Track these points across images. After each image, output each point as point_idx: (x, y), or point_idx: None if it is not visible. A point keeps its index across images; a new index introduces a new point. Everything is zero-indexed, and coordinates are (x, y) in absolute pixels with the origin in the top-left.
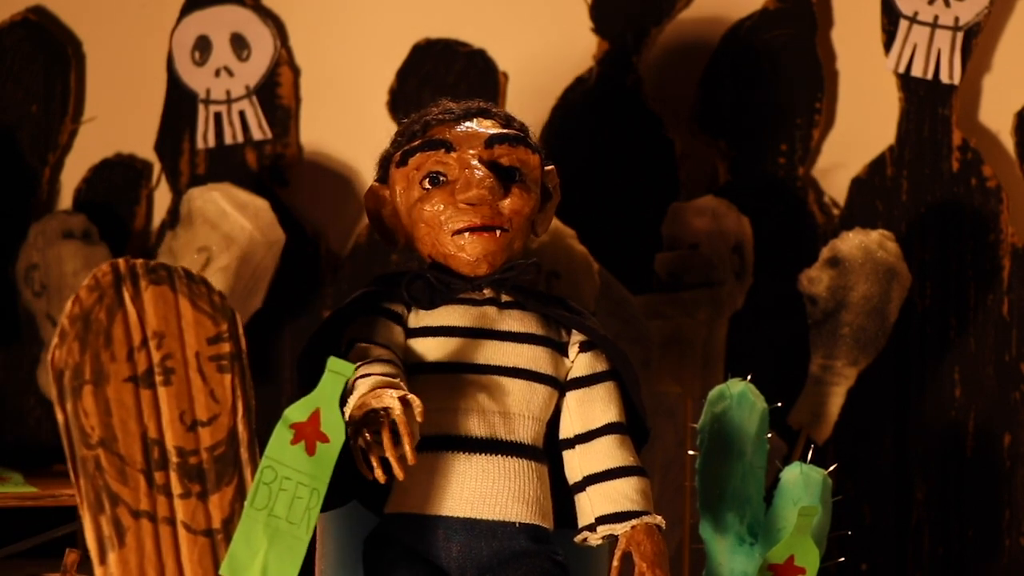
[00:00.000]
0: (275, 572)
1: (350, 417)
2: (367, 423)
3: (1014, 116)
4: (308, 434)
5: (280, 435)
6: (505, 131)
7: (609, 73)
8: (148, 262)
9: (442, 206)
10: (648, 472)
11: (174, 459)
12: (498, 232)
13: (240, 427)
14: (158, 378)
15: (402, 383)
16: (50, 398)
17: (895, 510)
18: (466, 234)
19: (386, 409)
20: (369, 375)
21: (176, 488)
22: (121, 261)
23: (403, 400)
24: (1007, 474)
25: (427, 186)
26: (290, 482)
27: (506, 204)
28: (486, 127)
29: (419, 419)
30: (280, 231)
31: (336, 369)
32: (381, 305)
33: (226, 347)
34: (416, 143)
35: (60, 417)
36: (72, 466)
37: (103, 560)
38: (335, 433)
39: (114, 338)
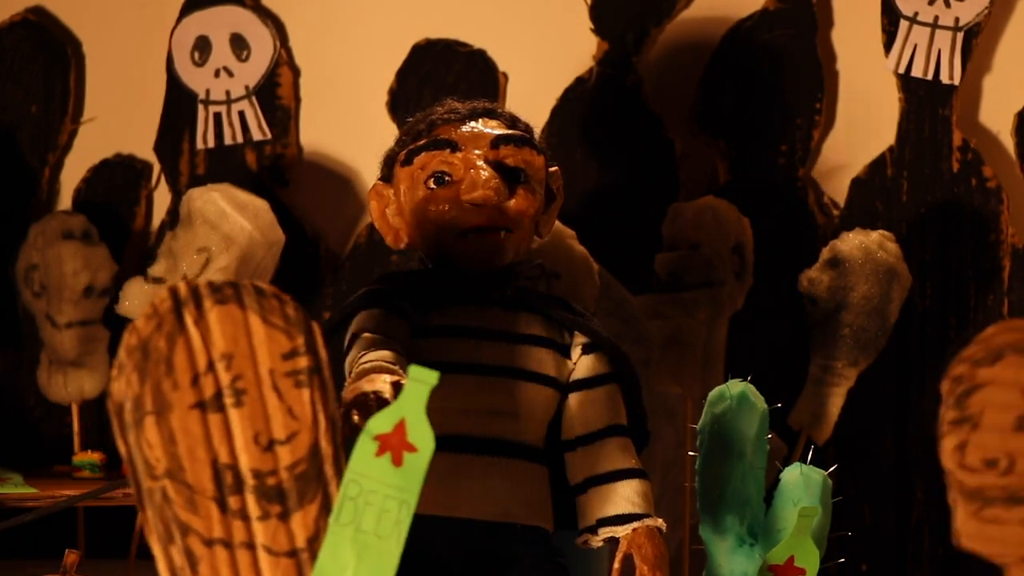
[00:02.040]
0: None
1: (342, 400)
2: (355, 405)
3: (1014, 116)
4: (394, 445)
5: (364, 448)
6: (511, 132)
7: (609, 73)
8: (213, 282)
9: (447, 206)
10: (648, 474)
11: (250, 482)
12: (503, 233)
13: (323, 442)
14: (228, 401)
15: (400, 370)
16: (51, 399)
17: (895, 510)
18: (470, 234)
19: (376, 392)
20: (368, 361)
21: (254, 511)
22: (182, 284)
23: (395, 385)
24: None
25: (432, 186)
26: (376, 495)
27: (511, 205)
28: (492, 127)
29: None
30: (280, 231)
31: (419, 377)
32: (386, 301)
33: (303, 361)
34: (421, 142)
35: (123, 450)
36: (138, 498)
37: None
38: (423, 442)
39: (176, 365)
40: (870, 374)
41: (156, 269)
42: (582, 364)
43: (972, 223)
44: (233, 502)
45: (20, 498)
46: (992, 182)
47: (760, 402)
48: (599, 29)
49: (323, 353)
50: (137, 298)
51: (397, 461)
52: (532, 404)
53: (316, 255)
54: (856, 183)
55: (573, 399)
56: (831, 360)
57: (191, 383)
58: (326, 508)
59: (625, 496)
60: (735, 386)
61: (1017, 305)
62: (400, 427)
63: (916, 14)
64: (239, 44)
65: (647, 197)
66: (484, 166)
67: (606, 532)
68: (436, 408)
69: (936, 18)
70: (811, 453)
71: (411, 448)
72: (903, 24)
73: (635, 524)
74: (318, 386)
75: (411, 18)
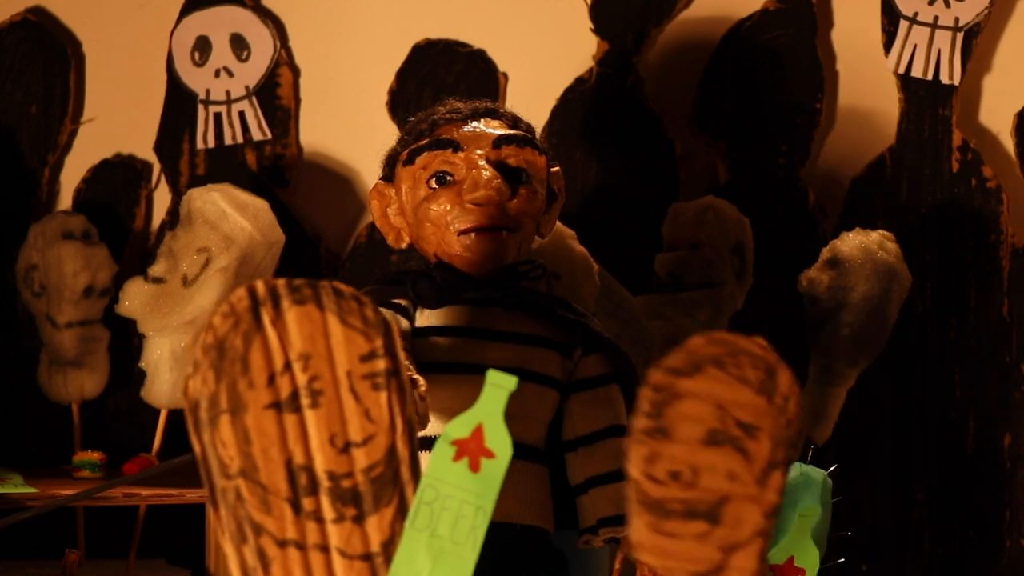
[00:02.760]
0: None
1: None
2: None
3: (1014, 117)
4: (471, 450)
5: (441, 452)
6: (513, 132)
7: (609, 73)
8: (292, 281)
9: (449, 206)
10: None
11: (325, 483)
12: (504, 233)
13: (400, 445)
14: (304, 401)
15: (410, 365)
16: (51, 399)
17: (895, 510)
18: (472, 234)
19: None
20: None
21: (328, 513)
22: (260, 283)
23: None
24: (1007, 474)
25: (434, 185)
26: (453, 500)
27: (513, 205)
28: (494, 127)
29: (421, 398)
30: (280, 232)
31: (497, 383)
32: (388, 300)
33: (381, 364)
34: (423, 142)
35: (197, 448)
36: (212, 497)
37: None
38: (501, 448)
39: (252, 364)
40: (870, 374)
41: (156, 269)
42: (583, 364)
43: (972, 223)
44: (307, 503)
45: (20, 498)
46: (992, 182)
47: None
48: (599, 29)
49: (401, 356)
50: (137, 298)
51: (475, 467)
52: (533, 404)
53: (316, 255)
54: (856, 183)
55: (574, 399)
56: (831, 360)
57: (267, 383)
58: (402, 512)
59: (626, 496)
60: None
61: (1017, 305)
62: (478, 432)
63: (916, 14)
64: (239, 44)
65: (647, 197)
66: (486, 166)
67: (607, 532)
68: (436, 408)
69: (936, 18)
70: (811, 453)
71: (489, 454)
72: (903, 24)
73: None
74: (396, 389)
75: (411, 18)
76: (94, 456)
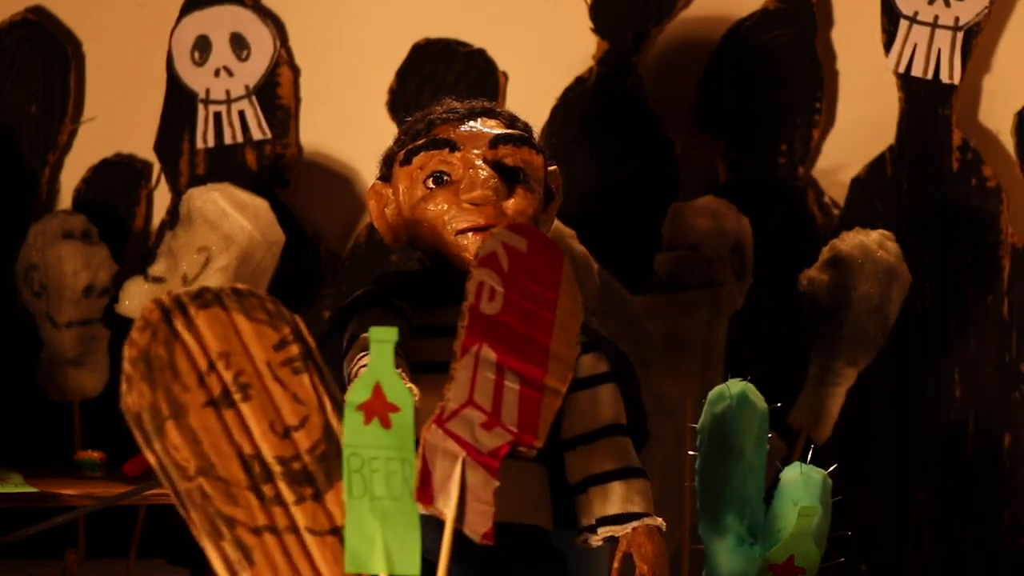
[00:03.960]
0: (398, 551)
1: None
2: None
3: (1014, 116)
4: (377, 409)
5: (352, 420)
6: (510, 131)
7: (609, 73)
8: (191, 291)
9: (446, 206)
10: (648, 473)
11: (277, 468)
12: None
13: (333, 421)
14: (236, 396)
15: (404, 373)
16: (51, 399)
17: (895, 510)
18: (469, 234)
19: None
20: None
21: (288, 496)
22: (164, 296)
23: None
24: (1007, 474)
25: (431, 185)
26: (379, 461)
27: (510, 204)
28: (490, 127)
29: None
30: (280, 231)
31: (380, 338)
32: (385, 301)
33: (294, 349)
34: (420, 142)
35: (152, 459)
36: (179, 501)
37: None
38: (402, 399)
39: (180, 369)
40: (870, 374)
41: (156, 269)
42: (582, 363)
43: (972, 223)
44: (267, 490)
45: (20, 498)
46: (992, 182)
47: (760, 402)
48: (599, 29)
49: (310, 339)
50: (137, 298)
51: (386, 424)
52: None
53: (316, 255)
54: (856, 183)
55: (572, 398)
56: (831, 360)
57: (198, 383)
58: None
59: (625, 495)
60: (735, 386)
61: (1017, 305)
62: (377, 391)
63: (916, 14)
64: (239, 44)
65: (647, 197)
66: (483, 166)
67: (606, 531)
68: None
69: (936, 17)
70: (811, 453)
71: (393, 408)
72: (903, 24)
73: (635, 523)
74: (314, 370)
75: (411, 18)
76: (95, 455)
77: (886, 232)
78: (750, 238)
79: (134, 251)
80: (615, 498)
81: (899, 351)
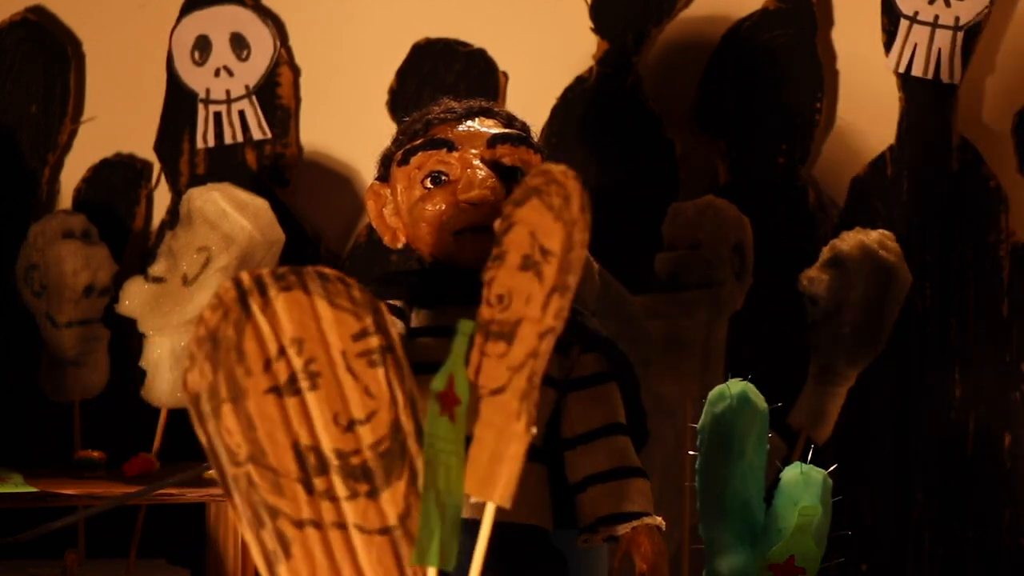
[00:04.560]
0: (451, 548)
1: None
2: None
3: (1014, 116)
4: (448, 401)
5: (432, 409)
6: (507, 131)
7: (609, 73)
8: (276, 270)
9: (443, 205)
10: (648, 473)
11: (334, 462)
12: None
13: (403, 418)
14: (303, 384)
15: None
16: (51, 398)
17: (895, 510)
18: (467, 234)
19: None
20: None
21: (341, 491)
22: (245, 274)
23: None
24: (1007, 474)
25: (429, 185)
26: (444, 453)
27: None
28: (488, 127)
29: None
30: (280, 231)
31: (464, 330)
32: (383, 301)
33: (374, 341)
34: (418, 142)
35: (203, 439)
36: (224, 486)
37: (272, 574)
38: (465, 393)
39: (247, 352)
40: (870, 374)
41: (156, 268)
42: (581, 363)
43: (972, 223)
44: (319, 483)
45: (20, 498)
46: (992, 181)
47: (760, 402)
48: (599, 29)
49: (393, 332)
50: (137, 297)
51: (452, 416)
52: None
53: (316, 255)
54: (856, 183)
55: (572, 398)
56: (831, 360)
57: (264, 369)
58: (414, 484)
59: (624, 495)
60: (735, 386)
61: (1017, 305)
62: (451, 383)
63: (916, 13)
64: (239, 43)
65: (647, 197)
66: (480, 165)
67: (606, 531)
68: None
69: (936, 17)
70: (811, 453)
71: (457, 401)
72: (903, 23)
73: (635, 523)
74: (392, 364)
75: (411, 18)
76: (94, 455)
77: (886, 232)
78: (750, 238)
79: (134, 251)
80: (615, 498)
81: (899, 351)
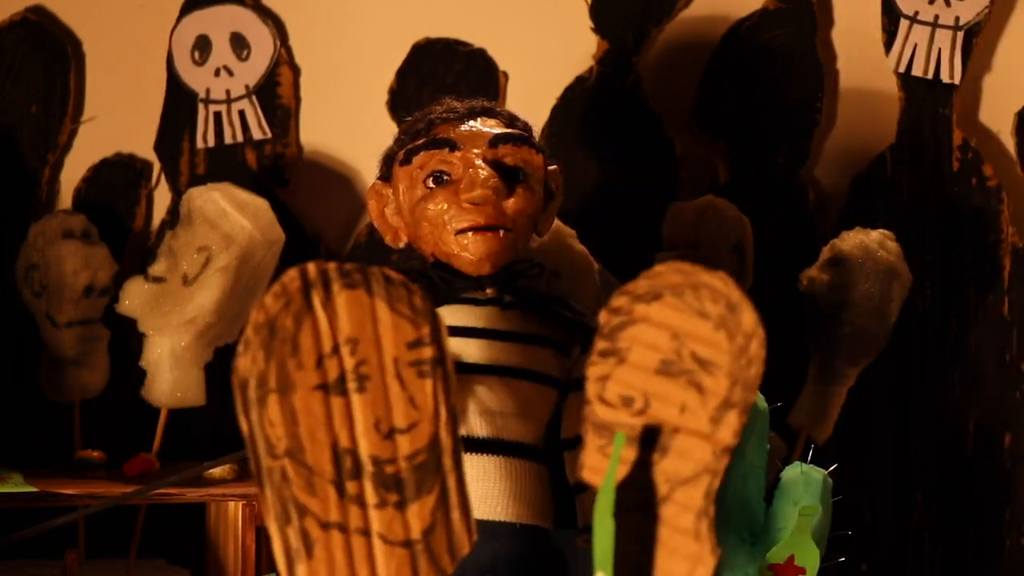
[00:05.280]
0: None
1: None
2: None
3: (1014, 116)
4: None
5: None
6: (509, 131)
7: (609, 73)
8: (343, 265)
9: (445, 205)
10: None
11: (369, 468)
12: (502, 232)
13: (443, 434)
14: (351, 385)
15: None
16: (51, 398)
17: (895, 510)
18: (469, 234)
19: None
20: None
21: (371, 498)
22: (311, 265)
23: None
24: (1007, 474)
25: (431, 185)
26: None
27: (510, 204)
28: (490, 126)
29: None
30: (280, 231)
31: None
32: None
33: (427, 352)
34: (420, 142)
35: (244, 427)
36: (257, 477)
37: (291, 572)
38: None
39: (302, 346)
40: (870, 374)
41: (156, 268)
42: (582, 363)
43: (972, 223)
44: (351, 487)
45: (20, 497)
46: (992, 182)
47: (760, 402)
48: (599, 28)
49: (447, 345)
50: (137, 297)
51: None
52: (532, 403)
53: (316, 255)
54: (856, 183)
55: (572, 398)
56: (831, 360)
57: (315, 364)
58: (443, 501)
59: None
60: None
61: (1017, 305)
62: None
63: (916, 13)
64: (239, 43)
65: (647, 197)
66: (483, 165)
67: None
68: None
69: (936, 17)
70: (811, 453)
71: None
72: (903, 23)
73: None
74: (441, 378)
75: (411, 17)
76: (94, 455)
77: (886, 232)
78: (750, 238)
79: (134, 251)
80: None
81: (899, 351)
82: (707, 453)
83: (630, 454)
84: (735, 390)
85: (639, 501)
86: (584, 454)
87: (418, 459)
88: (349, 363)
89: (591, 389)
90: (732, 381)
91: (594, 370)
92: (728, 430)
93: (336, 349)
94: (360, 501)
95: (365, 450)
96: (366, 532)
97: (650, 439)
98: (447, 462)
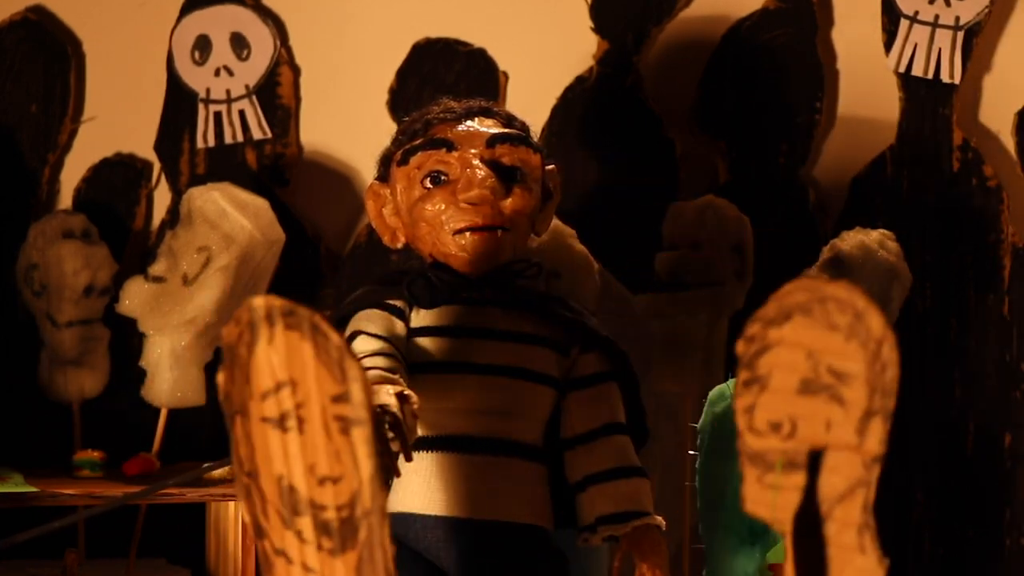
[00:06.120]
0: None
1: None
2: None
3: (1014, 116)
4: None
5: None
6: (507, 131)
7: (609, 73)
8: (290, 303)
9: (443, 205)
10: (648, 472)
11: (307, 509)
12: (499, 232)
13: (365, 494)
14: (290, 424)
15: (401, 378)
16: (51, 398)
17: (895, 510)
18: (467, 233)
19: (383, 406)
20: (369, 369)
21: (310, 537)
22: (261, 300)
23: (400, 396)
24: (1007, 474)
25: (428, 185)
26: None
27: (507, 204)
28: (488, 126)
29: (415, 415)
30: (280, 231)
31: None
32: (383, 301)
33: (348, 409)
34: (418, 142)
35: (231, 436)
36: (237, 489)
37: None
38: None
39: (252, 376)
40: None
41: (156, 268)
42: (581, 362)
43: (972, 223)
44: (296, 522)
45: (20, 497)
46: (992, 181)
47: None
48: (599, 28)
49: (371, 404)
50: (137, 297)
51: None
52: (531, 403)
53: (316, 255)
54: (856, 182)
55: (572, 398)
56: None
57: (262, 397)
58: (364, 562)
59: (624, 494)
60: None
61: (1017, 305)
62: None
63: (916, 13)
64: (239, 43)
65: (647, 197)
66: (480, 165)
67: (606, 531)
68: (435, 408)
69: (936, 17)
70: None
71: None
72: (903, 23)
73: (635, 522)
74: (363, 438)
75: (411, 17)
76: (94, 455)
77: (886, 232)
78: (750, 238)
79: (134, 251)
80: (615, 497)
81: (899, 351)
82: (857, 466)
83: (784, 479)
84: (875, 398)
85: (801, 525)
86: (744, 487)
87: (343, 513)
88: (288, 403)
89: (741, 421)
90: (871, 389)
91: (741, 402)
92: (874, 439)
93: (279, 387)
94: (301, 538)
95: (304, 491)
96: (308, 568)
97: (802, 461)
98: (373, 521)
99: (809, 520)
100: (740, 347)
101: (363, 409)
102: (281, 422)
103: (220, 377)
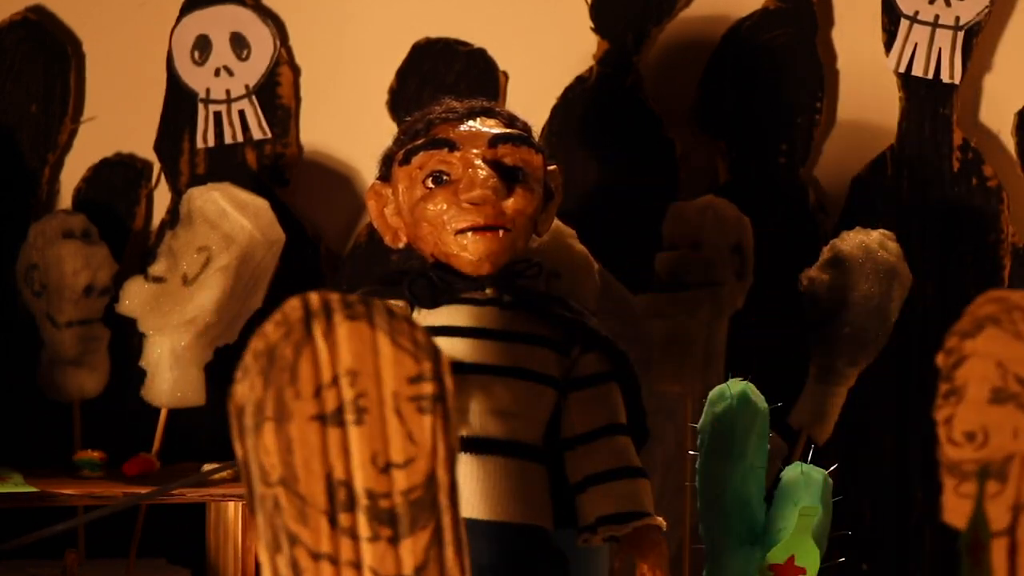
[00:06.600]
0: None
1: None
2: None
3: (1015, 116)
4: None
5: None
6: (509, 131)
7: (609, 73)
8: (346, 296)
9: (445, 205)
10: (648, 473)
11: (363, 501)
12: (501, 232)
13: (440, 471)
14: (349, 417)
15: None
16: (51, 398)
17: (895, 510)
18: (469, 234)
19: None
20: None
21: (364, 531)
22: (315, 295)
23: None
24: None
25: (430, 185)
26: None
27: (509, 204)
28: (490, 126)
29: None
30: (280, 231)
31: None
32: (384, 301)
33: (428, 388)
34: (419, 142)
35: (239, 453)
36: (250, 504)
37: None
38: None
39: (300, 375)
40: (870, 374)
41: (156, 268)
42: (581, 363)
43: (972, 223)
44: (344, 519)
45: (20, 497)
46: (992, 181)
47: (760, 402)
48: (599, 28)
49: (449, 382)
50: (137, 297)
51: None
52: (531, 403)
53: (316, 255)
54: (856, 182)
55: (572, 398)
56: (831, 360)
57: (314, 394)
58: (437, 538)
59: (625, 495)
60: (735, 385)
61: None
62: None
63: (916, 13)
64: (239, 43)
65: (647, 197)
66: (482, 165)
67: (606, 531)
68: None
69: (936, 17)
70: (811, 453)
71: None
72: (903, 23)
73: (635, 523)
74: (441, 415)
75: (411, 17)
76: (94, 455)
77: (886, 232)
78: (750, 238)
79: (134, 251)
80: (615, 497)
81: (899, 351)
82: None
83: (974, 489)
84: None
85: (991, 534)
86: (944, 497)
87: (414, 495)
88: (348, 395)
89: (940, 432)
90: None
91: (940, 413)
92: None
93: (335, 380)
94: (353, 534)
95: (360, 483)
96: (357, 565)
97: (992, 470)
98: (443, 500)
99: (997, 529)
100: (939, 359)
101: (444, 385)
102: (337, 416)
103: (243, 387)
